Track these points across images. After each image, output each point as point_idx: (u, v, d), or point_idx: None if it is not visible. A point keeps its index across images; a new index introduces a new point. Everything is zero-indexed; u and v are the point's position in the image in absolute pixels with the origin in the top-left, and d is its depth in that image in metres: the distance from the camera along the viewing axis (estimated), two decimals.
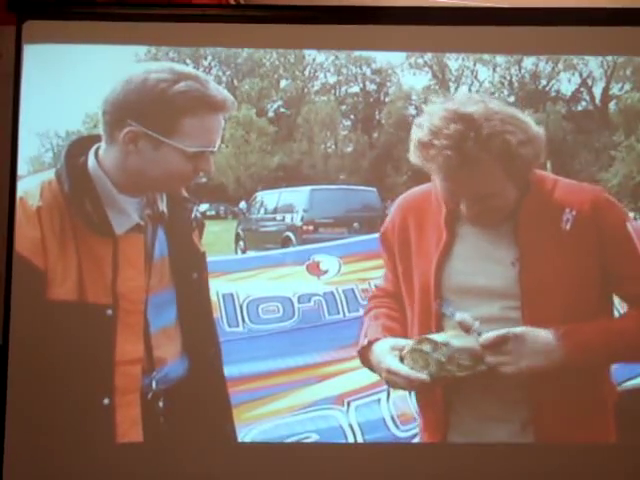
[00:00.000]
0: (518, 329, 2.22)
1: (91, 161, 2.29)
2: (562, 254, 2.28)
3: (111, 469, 2.45)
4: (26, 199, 2.30)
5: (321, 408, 2.55)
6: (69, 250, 2.28)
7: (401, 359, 2.25)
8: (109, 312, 2.29)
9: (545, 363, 2.20)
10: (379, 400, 2.56)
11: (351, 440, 2.54)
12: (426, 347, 2.21)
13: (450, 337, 2.23)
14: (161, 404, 2.33)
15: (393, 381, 2.26)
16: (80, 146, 2.32)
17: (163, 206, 2.34)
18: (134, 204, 2.30)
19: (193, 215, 2.38)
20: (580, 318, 2.27)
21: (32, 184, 2.33)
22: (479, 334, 2.22)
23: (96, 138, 2.32)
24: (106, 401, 2.31)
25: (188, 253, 2.38)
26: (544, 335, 2.21)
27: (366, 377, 2.50)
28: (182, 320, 2.36)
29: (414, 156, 2.22)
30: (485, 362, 2.21)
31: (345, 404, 2.55)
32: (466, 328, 2.23)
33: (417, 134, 2.20)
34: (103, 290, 2.30)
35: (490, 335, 2.20)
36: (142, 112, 2.24)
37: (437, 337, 2.23)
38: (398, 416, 2.55)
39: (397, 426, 2.56)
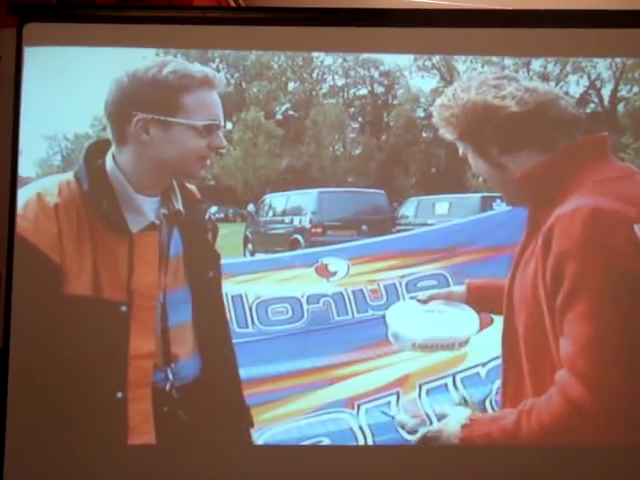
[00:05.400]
0: None
1: (109, 162, 2.35)
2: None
3: (122, 463, 2.47)
4: (44, 195, 2.34)
5: (332, 411, 2.54)
6: (85, 247, 2.34)
7: None
8: (123, 308, 2.35)
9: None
10: (389, 403, 2.54)
11: (361, 443, 2.53)
12: None
13: None
14: (175, 397, 2.37)
15: None
16: (98, 148, 2.38)
17: (179, 205, 2.39)
18: (150, 203, 2.35)
19: (207, 217, 2.44)
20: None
21: (50, 183, 2.39)
22: None
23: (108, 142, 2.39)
24: (119, 394, 2.35)
25: (203, 252, 2.43)
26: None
27: (376, 380, 2.54)
28: (196, 318, 2.40)
29: None
30: None
31: (355, 407, 2.53)
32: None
33: None
34: (118, 287, 2.35)
35: None
36: (143, 101, 2.32)
37: None
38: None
39: None
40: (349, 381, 2.55)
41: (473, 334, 2.47)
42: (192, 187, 2.48)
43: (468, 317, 2.48)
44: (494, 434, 2.29)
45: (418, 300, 2.54)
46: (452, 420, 2.39)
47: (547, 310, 2.21)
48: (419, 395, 2.52)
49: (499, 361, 2.41)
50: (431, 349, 2.45)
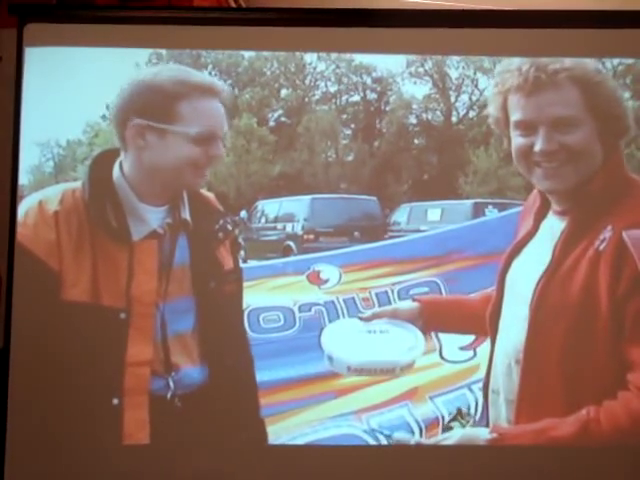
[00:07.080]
0: None
1: (116, 171, 2.37)
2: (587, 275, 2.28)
3: (117, 469, 2.47)
4: (45, 203, 2.36)
5: (338, 425, 2.52)
6: (85, 254, 2.35)
7: None
8: (122, 315, 2.36)
9: None
10: (402, 416, 2.53)
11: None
12: None
13: None
14: (178, 406, 2.37)
15: None
16: (106, 158, 2.40)
17: (186, 214, 2.40)
18: (155, 213, 2.37)
19: (218, 226, 2.43)
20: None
21: (53, 191, 2.42)
22: None
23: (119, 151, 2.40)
24: (115, 401, 2.36)
25: (209, 262, 2.43)
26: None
27: (382, 392, 2.51)
28: (200, 329, 2.40)
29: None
30: None
31: (364, 421, 2.52)
32: None
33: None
34: (118, 294, 2.36)
35: None
36: (139, 107, 2.34)
37: None
38: (422, 420, 2.53)
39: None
40: (355, 394, 2.52)
41: (417, 357, 2.40)
42: (211, 195, 2.49)
43: (413, 338, 2.41)
44: (540, 443, 2.29)
45: (360, 318, 2.49)
46: (473, 432, 2.40)
47: (610, 314, 2.24)
48: (436, 406, 2.52)
49: None
50: (368, 373, 2.38)
